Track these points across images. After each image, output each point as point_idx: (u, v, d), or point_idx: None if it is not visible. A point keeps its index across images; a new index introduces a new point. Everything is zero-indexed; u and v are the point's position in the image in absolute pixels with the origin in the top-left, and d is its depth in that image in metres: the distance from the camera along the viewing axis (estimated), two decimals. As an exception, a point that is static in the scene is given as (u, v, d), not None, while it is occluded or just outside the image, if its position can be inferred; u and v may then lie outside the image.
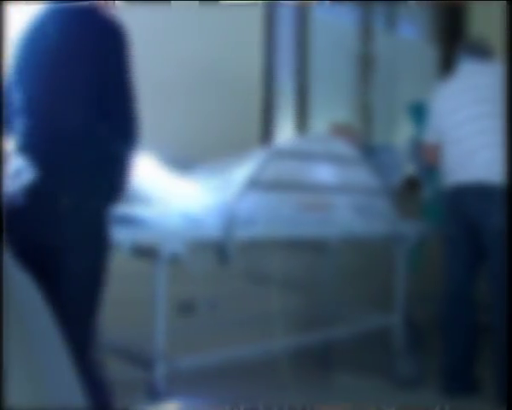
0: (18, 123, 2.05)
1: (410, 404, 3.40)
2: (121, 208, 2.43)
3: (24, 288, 1.14)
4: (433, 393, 3.57)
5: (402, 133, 4.98)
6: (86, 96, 2.00)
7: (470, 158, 3.48)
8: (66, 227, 1.99)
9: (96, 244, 2.08)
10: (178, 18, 3.64)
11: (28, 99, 2.05)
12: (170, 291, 2.64)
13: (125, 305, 3.18)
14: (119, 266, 2.85)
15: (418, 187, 4.27)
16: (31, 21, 2.09)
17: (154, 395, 2.54)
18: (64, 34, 2.00)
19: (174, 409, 2.49)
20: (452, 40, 5.24)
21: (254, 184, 2.75)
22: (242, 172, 2.78)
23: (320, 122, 4.55)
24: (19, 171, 1.97)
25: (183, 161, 3.11)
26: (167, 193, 2.57)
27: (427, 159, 3.86)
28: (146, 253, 2.50)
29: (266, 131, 4.29)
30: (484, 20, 4.82)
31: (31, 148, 2.00)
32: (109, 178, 2.09)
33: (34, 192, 1.95)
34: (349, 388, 3.72)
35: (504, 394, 3.29)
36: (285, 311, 3.78)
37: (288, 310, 3.85)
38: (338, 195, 3.28)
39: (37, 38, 2.06)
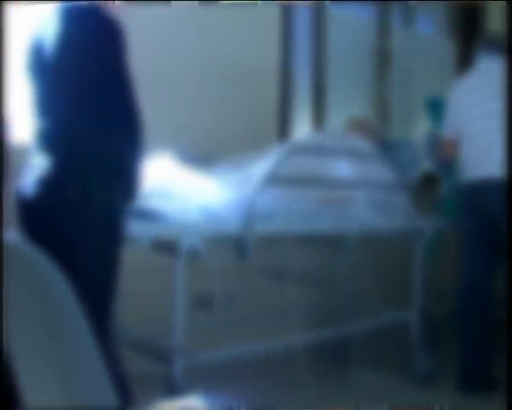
0: (32, 120, 2.10)
1: (426, 401, 3.40)
2: (141, 203, 2.44)
3: (48, 273, 1.13)
4: (450, 390, 3.56)
5: (419, 128, 4.96)
6: (87, 92, 2.04)
7: (488, 154, 3.47)
8: (77, 218, 2.01)
9: (107, 236, 2.10)
10: (197, 13, 3.65)
11: (37, 97, 2.09)
12: (189, 286, 2.64)
13: (144, 299, 3.19)
14: (138, 260, 2.88)
15: (435, 182, 4.26)
16: (37, 22, 2.14)
17: (173, 389, 2.54)
18: (64, 34, 2.05)
19: (192, 404, 2.49)
20: (469, 36, 5.21)
21: (273, 179, 2.75)
22: (261, 167, 2.78)
23: (337, 117, 4.54)
24: (33, 164, 2.00)
25: (202, 156, 3.12)
26: (186, 188, 2.57)
27: (445, 154, 3.85)
28: (165, 247, 2.50)
29: (283, 127, 4.29)
30: (501, 16, 4.78)
31: (44, 143, 2.05)
32: (119, 171, 2.11)
33: (47, 184, 1.99)
34: (365, 384, 3.72)
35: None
36: (302, 306, 3.78)
37: (305, 306, 3.85)
38: (356, 190, 3.28)
39: (42, 38, 2.11)
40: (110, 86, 2.10)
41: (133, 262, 2.92)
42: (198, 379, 2.72)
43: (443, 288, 4.12)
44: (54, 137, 2.06)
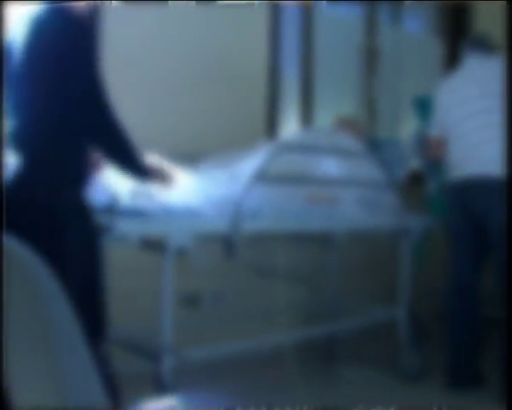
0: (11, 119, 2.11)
1: (414, 399, 3.42)
2: (129, 202, 2.45)
3: (40, 274, 1.13)
4: (438, 387, 3.57)
5: (407, 127, 4.98)
6: (56, 91, 2.06)
7: (475, 152, 3.48)
8: (45, 216, 2.02)
9: (79, 232, 2.11)
10: (184, 12, 3.64)
11: (13, 96, 2.11)
12: (177, 285, 2.64)
13: (133, 298, 3.20)
14: (126, 259, 2.88)
15: (423, 181, 4.28)
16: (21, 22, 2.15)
17: (161, 387, 2.54)
18: (33, 33, 2.05)
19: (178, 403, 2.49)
20: (457, 35, 5.24)
21: (261, 177, 2.75)
22: (249, 165, 2.78)
23: (325, 116, 4.55)
24: (8, 163, 2.02)
25: (190, 155, 3.11)
26: (174, 187, 2.57)
27: (432, 153, 3.87)
28: (153, 246, 2.50)
29: (271, 125, 4.29)
30: (488, 16, 4.80)
31: (14, 141, 2.06)
32: (82, 170, 2.12)
33: (16, 182, 2.01)
34: (353, 381, 3.73)
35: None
36: (291, 304, 3.79)
37: (294, 303, 3.86)
38: (344, 188, 3.28)
39: (13, 36, 2.12)
40: (79, 85, 2.11)
41: (122, 261, 2.93)
42: (187, 377, 2.73)
43: (431, 285, 4.13)
44: (23, 135, 2.07)
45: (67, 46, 2.09)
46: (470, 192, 3.50)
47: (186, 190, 2.59)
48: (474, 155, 3.49)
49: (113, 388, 2.29)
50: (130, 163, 2.23)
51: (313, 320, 3.66)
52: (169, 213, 2.48)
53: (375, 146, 3.88)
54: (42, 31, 2.06)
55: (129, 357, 2.74)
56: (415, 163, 4.40)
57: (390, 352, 3.80)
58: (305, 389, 3.43)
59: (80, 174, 2.15)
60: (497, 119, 3.44)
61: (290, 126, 4.45)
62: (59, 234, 2.05)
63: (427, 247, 4.09)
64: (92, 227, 2.17)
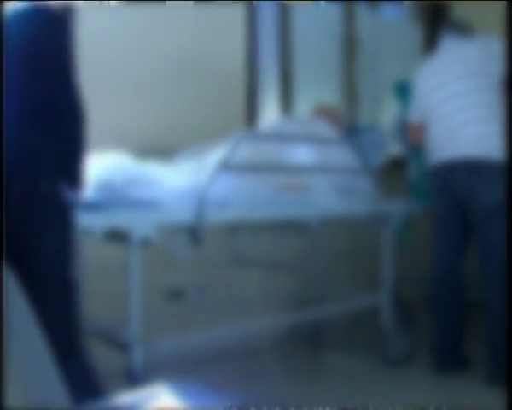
0: None
1: (400, 383, 3.42)
2: (93, 194, 2.46)
3: (7, 285, 1.14)
4: (424, 371, 3.58)
5: (387, 113, 4.98)
6: (30, 88, 2.07)
7: (456, 134, 3.47)
8: (22, 212, 2.03)
9: (56, 227, 2.11)
10: (161, 7, 3.64)
11: None
12: (158, 279, 2.66)
13: (105, 293, 3.20)
14: (96, 254, 2.89)
15: (404, 166, 4.27)
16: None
17: (133, 380, 2.55)
18: (13, 29, 2.06)
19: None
20: (435, 21, 5.23)
21: (227, 166, 2.75)
22: (217, 155, 2.78)
23: (305, 104, 4.54)
24: None
25: (168, 149, 3.13)
26: (138, 180, 2.58)
27: (412, 138, 3.86)
28: (118, 238, 2.52)
29: (251, 116, 4.29)
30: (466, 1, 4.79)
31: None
32: (63, 164, 2.12)
33: None
34: (338, 368, 3.73)
35: (496, 371, 3.30)
36: (273, 294, 3.80)
37: (276, 293, 3.86)
38: (318, 175, 3.28)
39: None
40: (53, 81, 2.11)
41: (91, 256, 2.94)
42: (173, 370, 2.74)
43: (415, 270, 4.13)
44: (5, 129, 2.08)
45: (43, 42, 2.10)
46: (452, 174, 3.48)
47: (150, 181, 2.60)
48: (454, 137, 3.47)
49: (94, 381, 2.31)
50: (74, 170, 2.22)
51: (295, 308, 3.66)
52: (131, 205, 2.48)
53: (355, 133, 3.88)
54: (18, 27, 2.08)
55: (102, 350, 2.75)
56: (396, 148, 4.39)
57: (375, 338, 3.80)
58: (290, 377, 3.44)
59: (57, 167, 2.15)
60: (478, 99, 3.43)
61: (270, 116, 4.45)
62: (34, 227, 2.06)
63: (410, 232, 4.08)
64: (69, 220, 2.17)
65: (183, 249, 2.72)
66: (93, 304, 2.95)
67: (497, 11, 3.61)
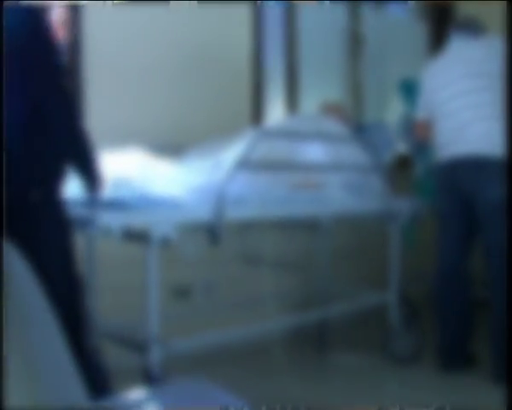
0: None
1: (406, 382, 3.42)
2: (110, 193, 2.43)
3: (23, 281, 1.11)
4: (429, 369, 3.58)
5: (393, 111, 4.97)
6: (22, 92, 2.06)
7: (462, 132, 3.47)
8: (11, 216, 2.01)
9: (51, 228, 2.11)
10: (168, 6, 3.62)
11: None
12: (166, 277, 2.63)
13: (121, 291, 3.19)
14: (112, 252, 2.87)
15: (410, 164, 4.27)
16: None
17: (149, 379, 2.53)
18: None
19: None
20: (441, 19, 5.23)
21: (244, 164, 2.72)
22: (232, 153, 2.76)
23: (310, 102, 4.53)
24: None
25: (176, 145, 3.10)
26: (155, 177, 2.55)
27: (418, 136, 3.86)
28: (137, 237, 2.49)
29: (256, 112, 4.27)
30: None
31: None
32: (53, 165, 2.13)
33: None
34: (345, 366, 3.73)
35: (501, 369, 3.31)
36: (280, 292, 3.79)
37: (284, 291, 3.86)
38: (330, 173, 3.26)
39: None
40: (45, 84, 2.10)
41: (108, 255, 2.92)
42: (178, 369, 2.71)
43: (421, 269, 4.14)
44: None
45: (34, 46, 2.08)
46: (458, 172, 3.49)
47: (168, 180, 2.58)
48: (461, 134, 3.48)
49: (101, 380, 2.29)
50: (88, 171, 2.25)
51: (304, 307, 3.65)
52: (151, 204, 2.46)
53: (361, 130, 3.87)
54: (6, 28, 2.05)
55: (119, 350, 2.73)
56: (402, 146, 4.39)
57: (381, 336, 3.80)
58: (296, 376, 3.43)
59: (51, 172, 2.15)
60: (484, 98, 3.44)
61: (276, 113, 4.44)
62: (29, 232, 2.04)
63: (415, 230, 4.08)
64: (63, 223, 2.16)
65: (192, 248, 2.70)
66: (105, 301, 2.94)
67: (499, 10, 3.60)
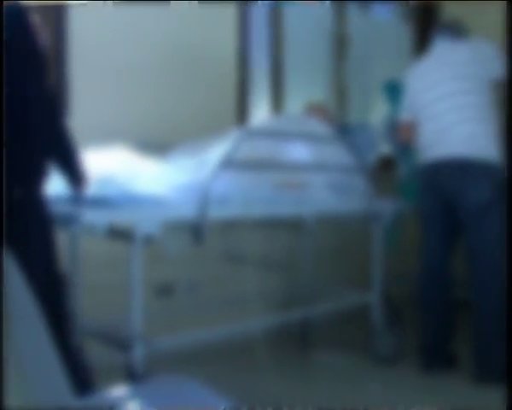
0: None
1: (388, 381, 3.45)
2: (95, 191, 2.43)
3: (15, 285, 1.12)
4: (412, 369, 3.60)
5: (377, 112, 5.00)
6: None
7: (445, 134, 3.50)
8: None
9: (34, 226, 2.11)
10: (155, 5, 3.62)
11: None
12: (148, 275, 2.63)
13: (104, 289, 3.18)
14: (96, 250, 2.87)
15: (394, 165, 4.29)
16: None
17: (132, 377, 2.53)
18: None
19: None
20: (426, 21, 5.26)
21: (228, 163, 2.73)
22: (216, 152, 2.77)
23: (295, 102, 4.55)
24: None
25: (160, 144, 3.10)
26: (138, 175, 2.56)
27: (402, 137, 3.88)
28: (121, 235, 2.49)
29: (241, 112, 4.28)
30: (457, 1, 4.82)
31: None
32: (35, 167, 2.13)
33: None
34: (328, 366, 3.75)
35: (482, 370, 3.34)
36: (263, 291, 3.79)
37: (267, 290, 3.86)
38: (313, 173, 3.28)
39: None
40: (28, 82, 2.10)
41: (90, 253, 2.92)
42: (161, 366, 2.72)
43: (404, 269, 4.16)
44: None
45: (17, 44, 2.07)
46: (441, 173, 3.51)
47: (153, 178, 2.58)
48: (444, 136, 3.50)
49: (87, 377, 2.30)
50: (72, 168, 2.28)
51: (287, 306, 3.66)
52: (135, 202, 2.46)
53: (346, 131, 3.89)
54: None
55: (102, 348, 2.73)
56: (385, 148, 4.41)
57: (364, 336, 3.82)
58: (279, 374, 3.44)
59: (33, 169, 2.15)
60: (468, 100, 3.46)
61: (261, 113, 4.45)
62: (11, 229, 2.04)
63: (398, 231, 4.11)
64: (46, 221, 2.17)
65: (176, 247, 2.70)
66: (88, 299, 2.94)
67: (489, 13, 3.64)
